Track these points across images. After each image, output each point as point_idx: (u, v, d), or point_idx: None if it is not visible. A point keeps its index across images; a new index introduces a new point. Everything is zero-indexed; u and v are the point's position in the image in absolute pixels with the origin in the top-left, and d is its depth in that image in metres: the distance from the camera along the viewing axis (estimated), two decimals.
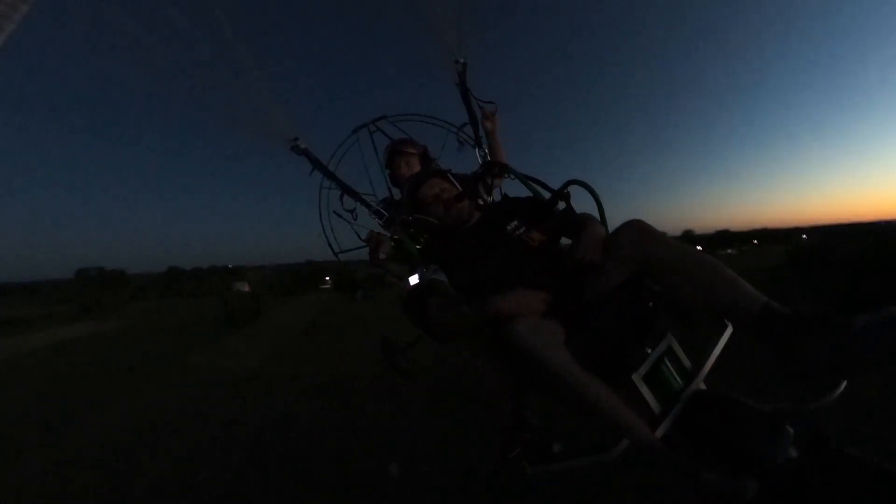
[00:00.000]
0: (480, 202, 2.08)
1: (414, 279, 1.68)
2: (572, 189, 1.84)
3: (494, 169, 2.23)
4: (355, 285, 31.53)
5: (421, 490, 2.86)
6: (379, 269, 2.20)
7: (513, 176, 2.15)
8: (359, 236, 2.31)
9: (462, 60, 2.31)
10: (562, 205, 1.84)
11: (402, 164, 2.52)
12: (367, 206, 2.39)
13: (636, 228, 1.39)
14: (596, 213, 1.81)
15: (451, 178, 1.96)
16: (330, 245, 2.45)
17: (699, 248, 1.34)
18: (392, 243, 2.13)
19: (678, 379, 1.34)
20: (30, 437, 4.45)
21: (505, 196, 2.26)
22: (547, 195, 2.02)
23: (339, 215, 2.40)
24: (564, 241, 1.82)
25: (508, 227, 1.72)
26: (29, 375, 7.95)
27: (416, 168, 2.56)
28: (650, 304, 1.43)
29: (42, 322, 20.30)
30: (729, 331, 1.35)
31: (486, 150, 2.40)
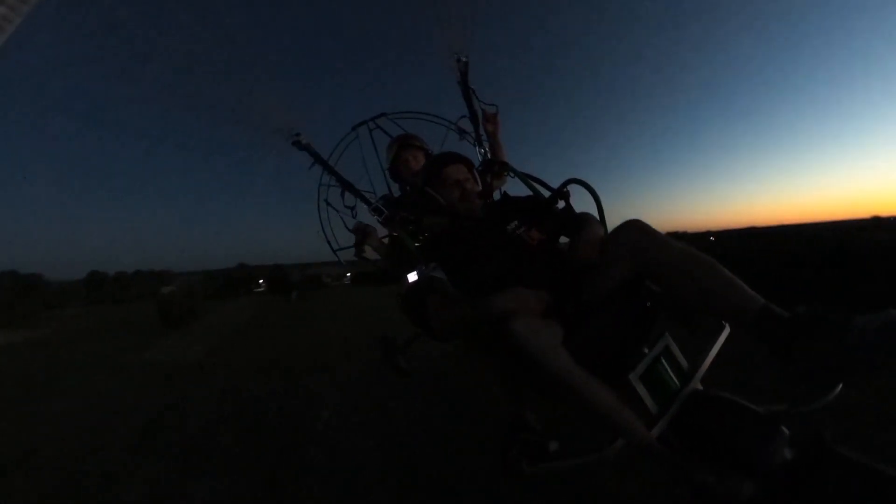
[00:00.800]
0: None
1: (413, 276, 1.69)
2: (572, 188, 1.85)
3: (495, 167, 2.26)
4: (290, 287, 32.59)
5: (346, 426, 3.77)
6: (361, 259, 2.26)
7: (513, 174, 2.18)
8: (347, 228, 2.33)
9: (464, 59, 2.31)
10: (561, 204, 1.84)
11: (409, 157, 2.53)
12: (367, 202, 2.38)
13: (635, 228, 1.39)
14: (595, 213, 1.83)
15: (474, 171, 1.94)
16: (329, 242, 2.46)
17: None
18: (385, 239, 2.19)
19: (675, 379, 1.34)
20: None
21: (505, 195, 2.23)
22: (546, 194, 2.03)
23: (331, 206, 2.42)
24: (564, 240, 1.82)
25: (509, 227, 1.70)
26: None
27: (422, 163, 2.58)
28: (648, 304, 1.45)
29: None
30: (726, 332, 1.35)
31: (487, 149, 2.42)
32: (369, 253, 2.27)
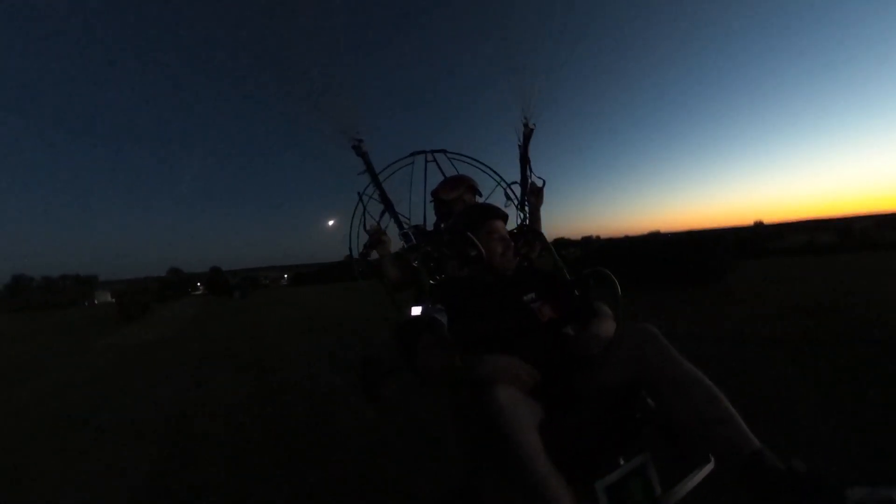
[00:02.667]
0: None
1: (417, 311, 1.70)
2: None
3: (529, 235, 2.23)
4: (232, 288, 35.21)
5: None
6: (365, 260, 2.31)
7: (543, 250, 2.19)
8: (364, 228, 2.31)
9: (532, 125, 2.34)
10: (581, 289, 1.79)
11: (468, 201, 2.43)
12: (400, 225, 2.38)
13: (647, 335, 1.31)
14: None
15: (510, 233, 1.89)
16: (350, 247, 2.43)
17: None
18: (397, 252, 2.23)
19: (642, 501, 1.20)
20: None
21: (531, 263, 2.17)
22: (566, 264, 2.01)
23: (370, 214, 2.39)
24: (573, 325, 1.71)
25: (526, 297, 1.64)
26: None
27: None
28: (638, 415, 1.33)
29: None
30: (710, 466, 1.23)
31: (526, 216, 2.41)
32: (374, 257, 2.29)
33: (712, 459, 1.23)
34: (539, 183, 2.36)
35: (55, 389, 6.02)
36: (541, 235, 2.22)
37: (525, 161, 2.41)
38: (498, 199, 2.60)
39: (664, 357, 1.26)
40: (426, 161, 2.74)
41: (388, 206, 2.39)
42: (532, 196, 2.35)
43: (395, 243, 2.30)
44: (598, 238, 24.47)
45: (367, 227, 2.26)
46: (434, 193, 2.45)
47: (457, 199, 2.38)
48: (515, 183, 2.53)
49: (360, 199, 2.38)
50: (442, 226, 2.48)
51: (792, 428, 2.55)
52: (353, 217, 2.42)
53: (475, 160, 2.76)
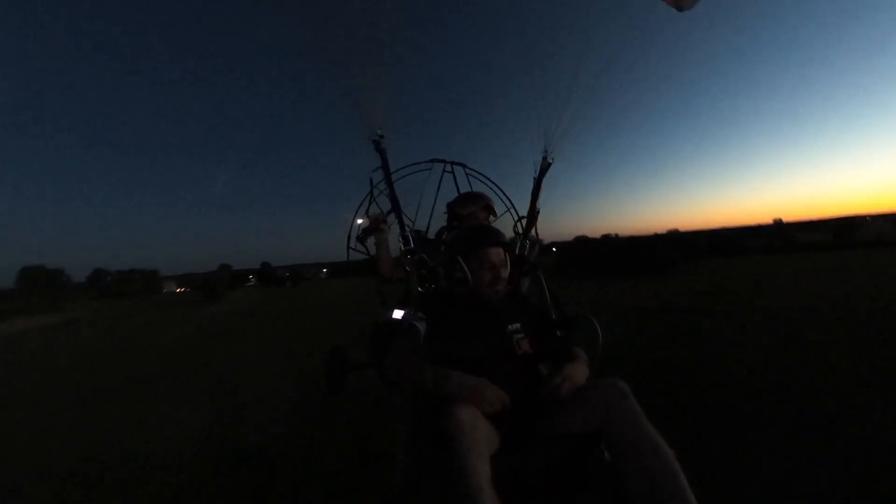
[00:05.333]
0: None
1: (398, 314, 1.65)
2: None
3: (525, 268, 2.21)
4: (282, 279, 42.46)
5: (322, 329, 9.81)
6: (362, 244, 2.33)
7: (538, 281, 2.16)
8: (366, 213, 2.31)
9: (550, 160, 2.31)
10: (564, 331, 1.77)
11: (482, 219, 2.36)
12: (402, 227, 2.29)
13: (617, 391, 1.29)
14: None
15: (508, 259, 1.78)
16: (349, 236, 2.39)
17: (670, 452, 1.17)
18: (397, 240, 2.19)
19: None
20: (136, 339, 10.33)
21: (522, 295, 2.10)
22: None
23: (378, 205, 2.37)
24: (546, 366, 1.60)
25: (510, 327, 1.60)
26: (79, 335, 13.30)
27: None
28: (592, 466, 1.32)
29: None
30: None
31: (528, 247, 2.35)
32: (370, 243, 2.29)
33: None
34: (544, 241, 2.40)
35: (196, 330, 9.75)
36: (536, 269, 2.21)
37: (536, 193, 2.39)
38: (507, 223, 2.60)
39: (629, 417, 1.23)
40: (443, 171, 2.77)
41: (396, 205, 2.31)
42: (531, 249, 2.34)
43: (395, 243, 2.24)
44: (616, 236, 26.94)
45: (370, 213, 2.28)
46: (450, 205, 2.44)
47: (470, 214, 2.36)
48: (524, 218, 2.47)
49: (371, 186, 2.38)
50: (444, 236, 2.52)
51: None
52: (360, 204, 2.42)
53: (491, 181, 2.78)
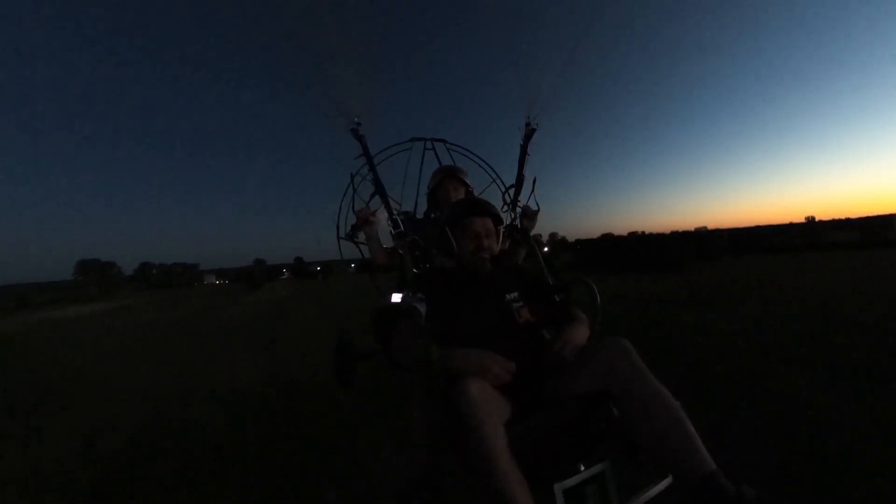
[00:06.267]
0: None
1: (397, 297, 1.66)
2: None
3: (517, 236, 2.22)
4: (313, 273, 45.88)
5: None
6: (353, 241, 2.28)
7: (532, 250, 2.15)
8: (353, 209, 2.25)
9: (534, 125, 2.28)
10: (562, 295, 1.78)
11: (451, 188, 2.36)
12: (389, 211, 2.26)
13: (619, 348, 1.32)
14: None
15: (501, 232, 1.79)
16: (338, 226, 2.36)
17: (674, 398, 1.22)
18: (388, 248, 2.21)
19: None
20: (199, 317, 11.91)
21: (518, 264, 2.09)
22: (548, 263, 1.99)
23: (360, 196, 2.30)
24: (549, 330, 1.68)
25: (508, 296, 1.61)
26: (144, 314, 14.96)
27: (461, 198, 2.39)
28: (602, 424, 1.32)
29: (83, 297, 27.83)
30: (667, 482, 1.23)
31: (518, 217, 2.31)
32: (362, 238, 2.26)
33: (670, 475, 1.21)
34: (534, 207, 2.30)
35: (242, 312, 11.22)
36: (528, 238, 2.19)
37: (523, 159, 2.34)
38: (494, 196, 2.57)
39: (634, 372, 1.26)
40: (424, 149, 2.70)
41: (380, 190, 2.24)
42: (525, 219, 2.25)
43: (384, 228, 2.20)
44: (642, 233, 27.42)
45: (356, 209, 2.21)
46: (428, 185, 2.46)
47: (437, 186, 2.37)
48: (513, 187, 2.44)
49: (352, 181, 2.30)
50: (431, 215, 2.49)
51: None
52: (343, 197, 2.35)
53: (474, 154, 2.73)
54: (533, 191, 2.34)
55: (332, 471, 2.25)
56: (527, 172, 2.37)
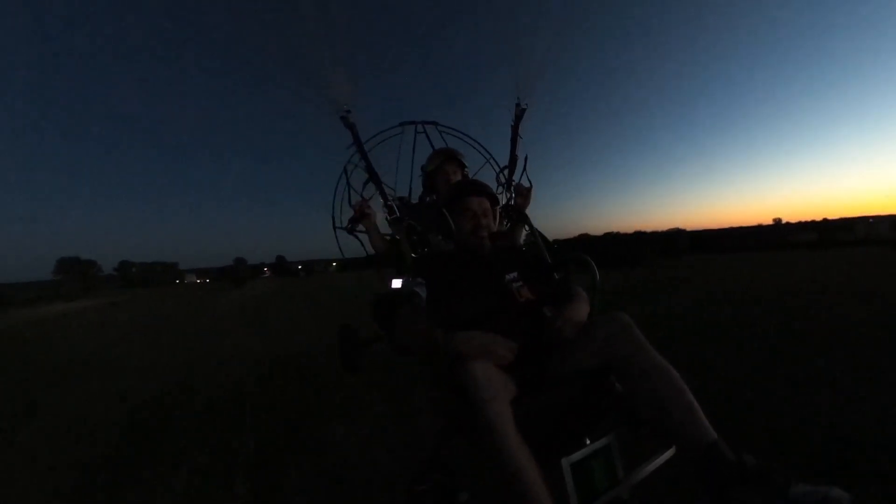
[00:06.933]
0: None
1: (397, 283, 1.67)
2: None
3: (514, 215, 2.22)
4: (295, 271, 46.85)
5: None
6: (351, 234, 2.26)
7: (528, 229, 2.15)
8: (349, 203, 2.23)
9: (524, 106, 2.29)
10: (561, 273, 1.78)
11: (450, 171, 2.34)
12: (384, 197, 2.27)
13: (619, 323, 1.33)
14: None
15: (498, 212, 1.81)
16: (333, 217, 2.33)
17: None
18: (387, 235, 2.20)
19: (605, 480, 1.24)
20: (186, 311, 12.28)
21: (515, 243, 2.12)
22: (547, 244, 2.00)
23: (353, 187, 2.29)
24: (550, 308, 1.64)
25: (507, 276, 1.60)
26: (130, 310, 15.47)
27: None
28: (606, 399, 1.36)
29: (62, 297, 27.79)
30: (670, 453, 1.26)
31: (513, 196, 2.31)
32: (361, 229, 2.24)
33: (673, 446, 1.23)
34: (527, 184, 2.27)
35: (233, 305, 11.79)
36: (525, 217, 2.17)
37: (515, 140, 2.35)
38: (488, 177, 2.52)
39: (635, 346, 1.26)
40: (416, 132, 2.67)
41: (374, 177, 2.24)
42: (519, 197, 2.23)
43: (380, 215, 2.21)
44: (617, 234, 29.51)
45: (352, 203, 2.18)
46: (423, 168, 2.44)
47: (436, 170, 2.33)
48: (507, 168, 2.44)
49: (345, 173, 2.28)
50: (427, 199, 2.47)
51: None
52: (336, 188, 2.32)
53: (466, 135, 2.71)
54: (525, 169, 2.32)
55: (335, 408, 2.83)
56: (518, 152, 2.38)
